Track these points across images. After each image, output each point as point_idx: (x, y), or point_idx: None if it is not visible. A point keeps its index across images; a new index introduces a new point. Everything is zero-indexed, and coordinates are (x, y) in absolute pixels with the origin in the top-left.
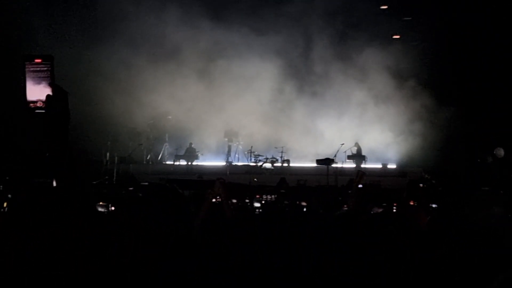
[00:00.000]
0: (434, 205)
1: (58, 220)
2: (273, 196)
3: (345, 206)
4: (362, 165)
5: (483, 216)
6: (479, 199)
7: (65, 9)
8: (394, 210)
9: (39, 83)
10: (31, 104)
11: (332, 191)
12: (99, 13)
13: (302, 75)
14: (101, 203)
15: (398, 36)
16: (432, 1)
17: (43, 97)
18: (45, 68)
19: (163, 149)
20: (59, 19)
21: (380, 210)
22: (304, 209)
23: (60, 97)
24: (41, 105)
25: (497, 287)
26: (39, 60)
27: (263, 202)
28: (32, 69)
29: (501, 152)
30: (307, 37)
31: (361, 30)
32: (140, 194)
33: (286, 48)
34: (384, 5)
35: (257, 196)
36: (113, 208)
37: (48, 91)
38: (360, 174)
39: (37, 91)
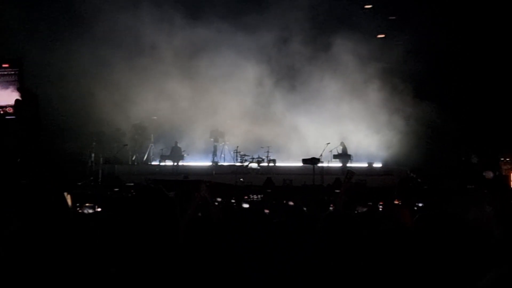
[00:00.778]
0: (420, 204)
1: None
2: (259, 196)
3: (331, 206)
4: (348, 164)
5: (471, 215)
6: (467, 197)
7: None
8: (380, 209)
9: (7, 87)
10: (0, 110)
11: (318, 190)
12: (79, 12)
13: (287, 75)
14: (87, 204)
15: (383, 35)
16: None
17: (12, 102)
18: (13, 72)
19: (148, 149)
20: (34, 18)
21: (365, 209)
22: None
23: (29, 101)
24: (10, 111)
25: (486, 285)
26: (6, 65)
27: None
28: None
29: (489, 174)
30: (291, 37)
31: (346, 30)
32: (126, 195)
33: (270, 47)
34: (368, 4)
35: (245, 197)
36: (99, 209)
37: (16, 95)
38: (349, 173)
39: (5, 96)
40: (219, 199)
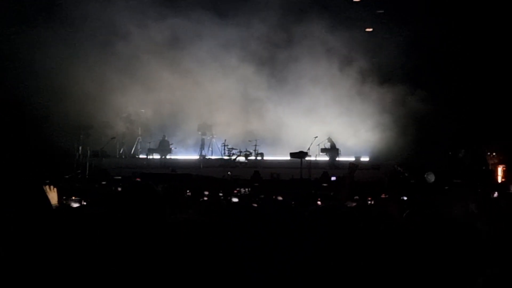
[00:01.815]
0: (404, 198)
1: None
2: (247, 189)
3: (319, 199)
4: (336, 158)
5: (456, 212)
6: (452, 193)
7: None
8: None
9: None
10: None
11: (305, 184)
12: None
13: (275, 69)
14: (73, 197)
15: (370, 29)
16: None
17: None
18: None
19: (136, 142)
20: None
21: (354, 204)
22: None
23: (7, 108)
24: None
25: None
26: None
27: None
28: None
29: (431, 177)
30: (279, 29)
31: (335, 23)
32: (113, 189)
33: (258, 40)
34: None
35: (235, 191)
36: (85, 203)
37: None
38: (352, 166)
39: None
40: (206, 193)
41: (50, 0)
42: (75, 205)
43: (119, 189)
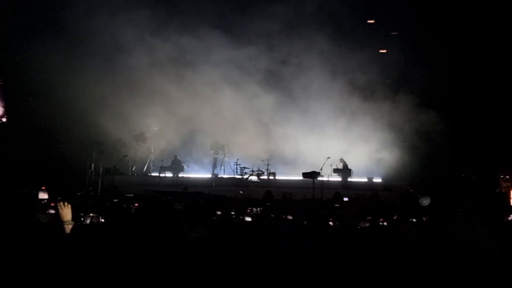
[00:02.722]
0: (413, 220)
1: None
2: (259, 208)
3: (331, 220)
4: (348, 179)
5: (468, 234)
6: (465, 216)
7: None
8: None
9: None
10: None
11: (317, 204)
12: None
13: (287, 89)
14: (91, 214)
15: (384, 51)
16: (419, 16)
17: None
18: None
19: (148, 160)
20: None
21: (367, 224)
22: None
23: None
24: None
25: None
26: None
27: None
28: None
29: (426, 201)
30: (293, 50)
31: (348, 44)
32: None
33: (271, 60)
34: (371, 19)
35: (248, 210)
36: (102, 220)
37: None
38: (374, 196)
39: None
40: (218, 212)
41: (64, 19)
42: (90, 221)
43: (136, 204)
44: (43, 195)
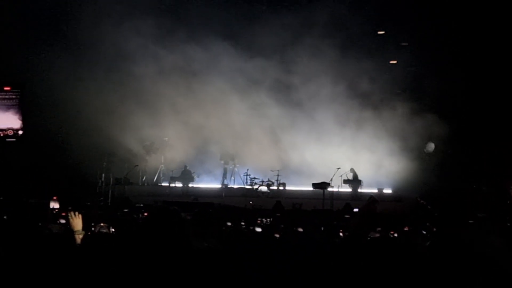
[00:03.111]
0: (427, 231)
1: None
2: (269, 219)
3: (341, 231)
4: (359, 190)
5: (480, 246)
6: (476, 227)
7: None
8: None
9: (7, 110)
10: (0, 133)
11: (327, 215)
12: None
13: (298, 99)
14: (102, 224)
15: (395, 62)
16: (429, 26)
17: (13, 125)
18: (14, 96)
19: (158, 170)
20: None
21: (377, 235)
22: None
23: None
24: (11, 134)
25: None
26: (8, 88)
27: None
28: (0, 97)
29: (431, 147)
30: (302, 59)
31: (358, 54)
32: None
33: (280, 70)
34: (381, 30)
35: (258, 221)
36: (113, 230)
37: (17, 118)
38: (371, 200)
39: (6, 119)
40: (229, 223)
41: (72, 29)
42: (99, 230)
43: (145, 214)
44: (54, 205)
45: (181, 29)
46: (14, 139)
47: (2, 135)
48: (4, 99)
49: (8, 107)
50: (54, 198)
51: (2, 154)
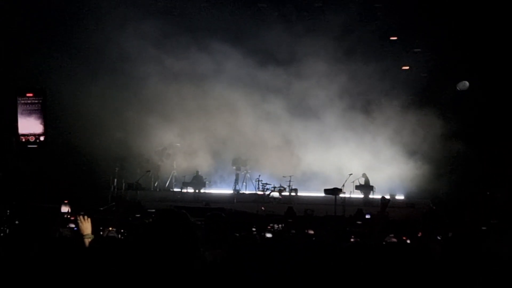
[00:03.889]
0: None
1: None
2: (280, 225)
3: (352, 237)
4: (370, 196)
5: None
6: (490, 234)
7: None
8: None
9: (30, 116)
10: (23, 138)
11: (339, 221)
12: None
13: (309, 104)
14: (110, 229)
15: (407, 67)
16: (441, 32)
17: (35, 130)
18: (37, 101)
19: (170, 176)
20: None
21: (394, 239)
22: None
23: None
24: (33, 140)
25: None
26: (30, 94)
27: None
28: (23, 102)
29: (464, 85)
30: (312, 65)
31: (369, 60)
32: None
33: (292, 76)
34: (393, 36)
35: (269, 227)
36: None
37: (39, 124)
38: (384, 201)
39: (28, 125)
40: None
41: (80, 34)
42: (107, 235)
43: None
44: (65, 208)
45: (187, 33)
46: (35, 145)
47: (24, 140)
48: (26, 104)
49: (30, 112)
50: (65, 201)
51: (23, 158)
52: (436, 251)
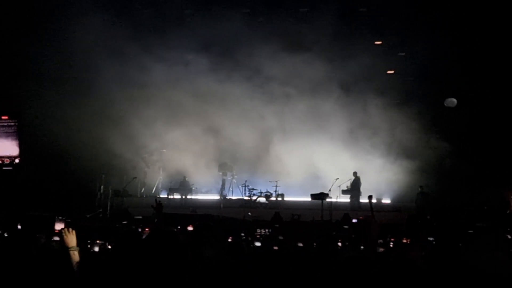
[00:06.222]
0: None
1: None
2: (267, 230)
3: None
4: (360, 200)
5: (483, 259)
6: (479, 239)
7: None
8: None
9: (5, 138)
10: None
11: (326, 226)
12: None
13: (296, 109)
14: (97, 241)
15: (392, 71)
16: (428, 36)
17: (10, 153)
18: (12, 124)
19: (157, 182)
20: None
21: (382, 249)
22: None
23: None
24: (7, 162)
25: None
26: (5, 117)
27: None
28: None
29: (452, 103)
30: (300, 70)
31: (358, 65)
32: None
33: (279, 81)
34: (379, 40)
35: (257, 236)
36: (109, 246)
37: (15, 146)
38: (370, 199)
39: (3, 147)
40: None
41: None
42: (99, 248)
43: (147, 229)
44: (59, 226)
45: (177, 39)
46: (10, 167)
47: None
48: (2, 126)
49: (6, 135)
50: (60, 218)
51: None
52: (418, 258)
